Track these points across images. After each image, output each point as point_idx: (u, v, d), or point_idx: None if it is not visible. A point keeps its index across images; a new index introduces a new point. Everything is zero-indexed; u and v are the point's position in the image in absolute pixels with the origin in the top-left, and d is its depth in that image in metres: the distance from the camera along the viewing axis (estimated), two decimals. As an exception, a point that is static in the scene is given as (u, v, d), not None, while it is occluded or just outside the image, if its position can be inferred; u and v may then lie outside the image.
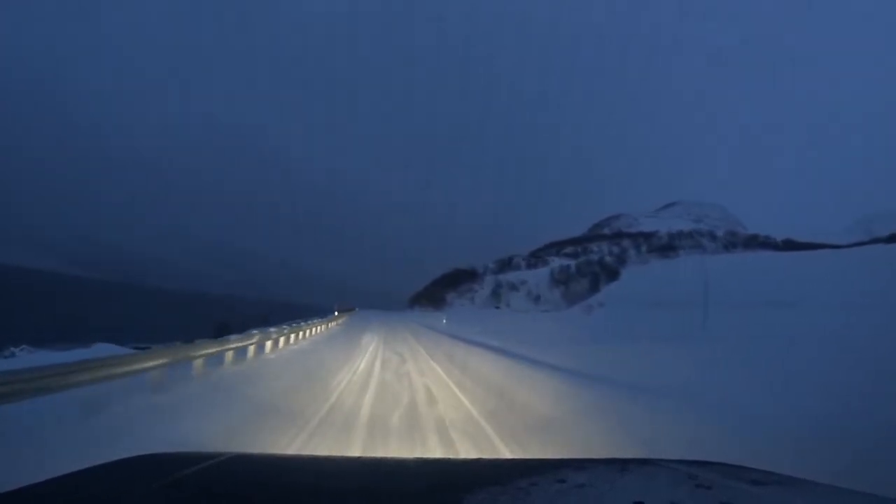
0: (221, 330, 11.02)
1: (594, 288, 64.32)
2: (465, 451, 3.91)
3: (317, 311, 33.02)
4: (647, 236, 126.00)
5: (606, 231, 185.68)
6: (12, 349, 6.88)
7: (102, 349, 5.88)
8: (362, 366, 9.13)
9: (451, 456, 3.78)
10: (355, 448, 3.92)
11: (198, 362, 6.23)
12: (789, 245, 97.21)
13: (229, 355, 7.29)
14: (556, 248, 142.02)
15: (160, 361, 5.22)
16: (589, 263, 69.99)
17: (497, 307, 62.65)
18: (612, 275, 66.85)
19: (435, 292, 69.63)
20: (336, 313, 31.25)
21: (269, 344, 9.36)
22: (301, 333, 12.86)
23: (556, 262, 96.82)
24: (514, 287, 66.36)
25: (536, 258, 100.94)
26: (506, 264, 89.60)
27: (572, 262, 75.63)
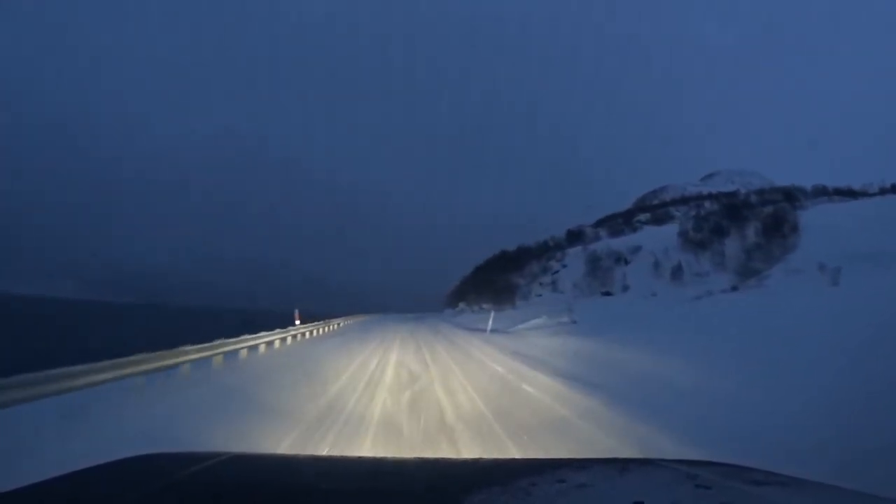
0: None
1: (770, 247, 36.17)
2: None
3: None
4: (730, 196, 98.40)
5: (656, 202, 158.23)
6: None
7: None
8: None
9: (452, 456, 3.64)
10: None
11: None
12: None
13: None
14: (623, 218, 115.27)
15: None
16: (736, 211, 42.62)
17: (607, 293, 35.28)
18: (777, 227, 39.72)
19: (490, 281, 43.28)
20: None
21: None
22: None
23: (646, 228, 69.75)
24: (620, 259, 39.07)
25: (618, 226, 73.24)
26: (575, 237, 62.45)
27: (700, 211, 48.06)
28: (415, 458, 1.61)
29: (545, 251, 50.75)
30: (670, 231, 48.88)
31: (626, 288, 37.16)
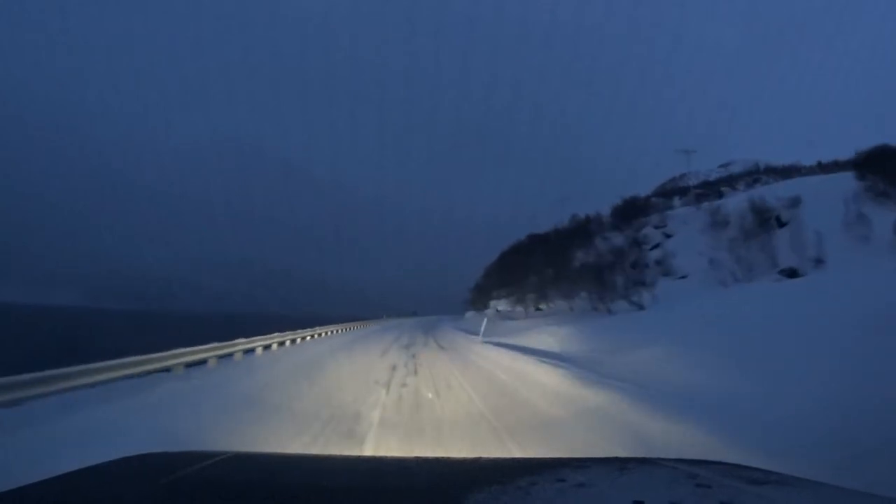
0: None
1: None
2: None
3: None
4: (787, 170, 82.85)
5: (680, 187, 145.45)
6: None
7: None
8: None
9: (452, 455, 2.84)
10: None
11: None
12: None
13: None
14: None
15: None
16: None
17: (790, 272, 17.80)
18: None
19: (537, 269, 27.00)
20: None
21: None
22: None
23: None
24: (768, 219, 22.17)
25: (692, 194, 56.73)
26: (630, 211, 45.83)
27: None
28: (415, 457, 1.60)
29: (626, 217, 33.80)
30: (814, 184, 32.25)
31: (818, 261, 20.55)
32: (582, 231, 36.15)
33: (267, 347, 14.23)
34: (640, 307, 16.61)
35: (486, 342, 16.44)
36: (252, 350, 13.14)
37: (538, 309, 25.55)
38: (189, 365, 9.31)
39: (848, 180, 28.29)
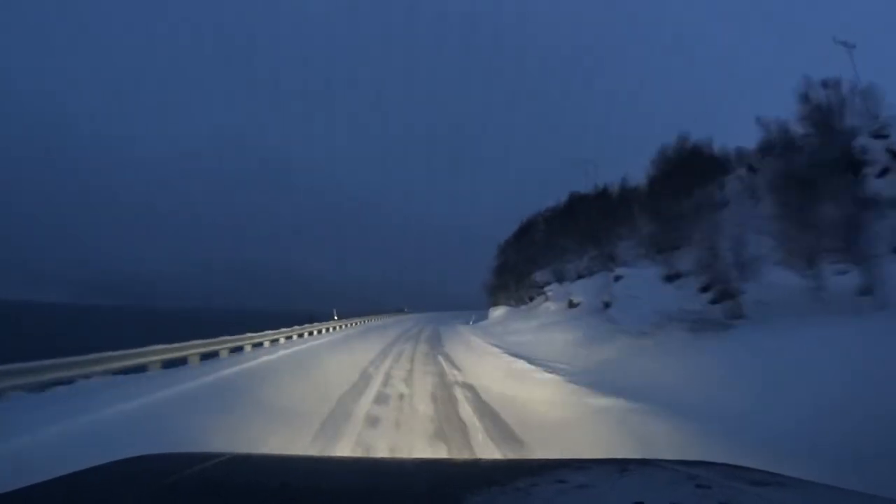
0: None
1: None
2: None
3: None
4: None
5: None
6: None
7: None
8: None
9: (451, 457, 3.65)
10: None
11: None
12: None
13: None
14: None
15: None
16: None
17: None
18: None
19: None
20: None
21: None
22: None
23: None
24: None
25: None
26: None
27: None
28: (414, 459, 1.58)
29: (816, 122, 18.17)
30: None
31: None
32: (696, 159, 21.70)
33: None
34: None
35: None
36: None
37: (717, 301, 11.76)
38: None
39: None
